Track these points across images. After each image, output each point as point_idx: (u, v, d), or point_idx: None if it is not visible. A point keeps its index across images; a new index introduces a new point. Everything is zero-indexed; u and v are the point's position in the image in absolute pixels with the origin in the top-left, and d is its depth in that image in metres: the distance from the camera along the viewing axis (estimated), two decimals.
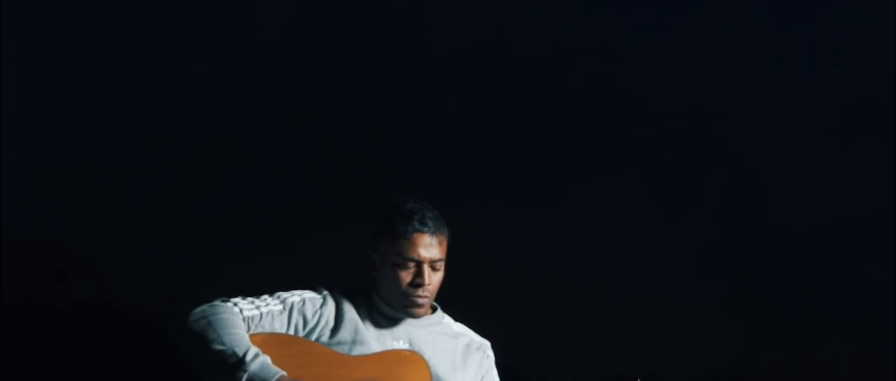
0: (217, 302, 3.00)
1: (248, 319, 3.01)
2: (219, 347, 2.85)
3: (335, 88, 5.46)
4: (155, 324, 5.01)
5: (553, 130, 5.67)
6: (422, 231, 3.13)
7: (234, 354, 2.84)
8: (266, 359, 2.87)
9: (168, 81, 5.39)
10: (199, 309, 2.96)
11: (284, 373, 2.86)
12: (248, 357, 2.84)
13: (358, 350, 3.08)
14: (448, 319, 3.36)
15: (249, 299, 3.08)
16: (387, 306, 3.18)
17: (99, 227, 5.26)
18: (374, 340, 3.14)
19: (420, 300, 3.15)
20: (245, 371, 2.82)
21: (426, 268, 3.15)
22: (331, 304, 3.16)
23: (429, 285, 3.14)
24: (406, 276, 3.13)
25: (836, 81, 5.50)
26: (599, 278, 5.59)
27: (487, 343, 3.40)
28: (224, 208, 5.35)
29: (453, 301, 3.43)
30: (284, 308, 3.10)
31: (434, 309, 3.32)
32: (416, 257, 3.13)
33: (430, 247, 3.15)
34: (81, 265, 5.21)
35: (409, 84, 5.54)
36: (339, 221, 4.61)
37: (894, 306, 5.50)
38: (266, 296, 3.12)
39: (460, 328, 3.39)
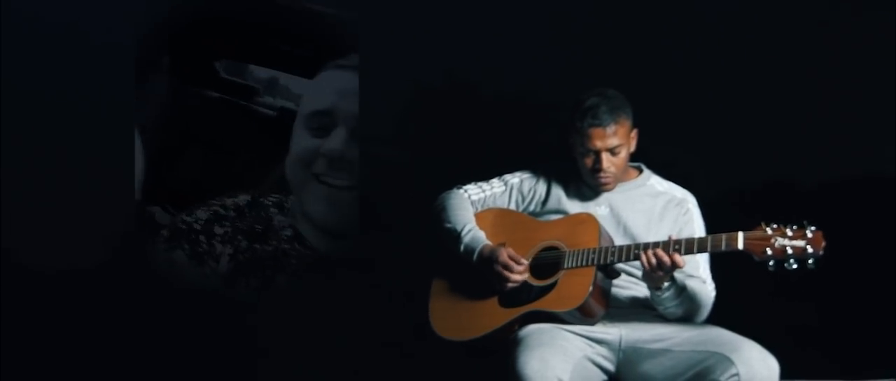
0: (452, 190, 4.11)
1: (475, 202, 4.07)
2: (448, 224, 3.99)
3: None
4: None
5: None
6: (596, 126, 3.75)
7: (455, 229, 3.96)
8: (478, 233, 3.92)
9: None
10: (440, 197, 4.10)
11: (488, 242, 3.87)
12: (464, 232, 3.93)
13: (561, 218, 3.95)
14: (654, 179, 4.00)
15: (479, 184, 4.11)
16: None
17: None
18: (579, 208, 3.94)
19: (603, 181, 3.87)
20: (462, 242, 3.93)
21: (604, 155, 3.78)
22: (542, 182, 4.06)
23: (608, 168, 3.85)
24: (589, 162, 3.86)
25: None
26: None
27: (689, 197, 3.92)
28: None
29: None
30: (506, 189, 4.10)
31: (640, 171, 4.02)
32: (593, 148, 3.77)
33: (605, 138, 3.75)
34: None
35: None
36: None
37: None
38: (494, 179, 4.12)
39: (665, 186, 3.94)
